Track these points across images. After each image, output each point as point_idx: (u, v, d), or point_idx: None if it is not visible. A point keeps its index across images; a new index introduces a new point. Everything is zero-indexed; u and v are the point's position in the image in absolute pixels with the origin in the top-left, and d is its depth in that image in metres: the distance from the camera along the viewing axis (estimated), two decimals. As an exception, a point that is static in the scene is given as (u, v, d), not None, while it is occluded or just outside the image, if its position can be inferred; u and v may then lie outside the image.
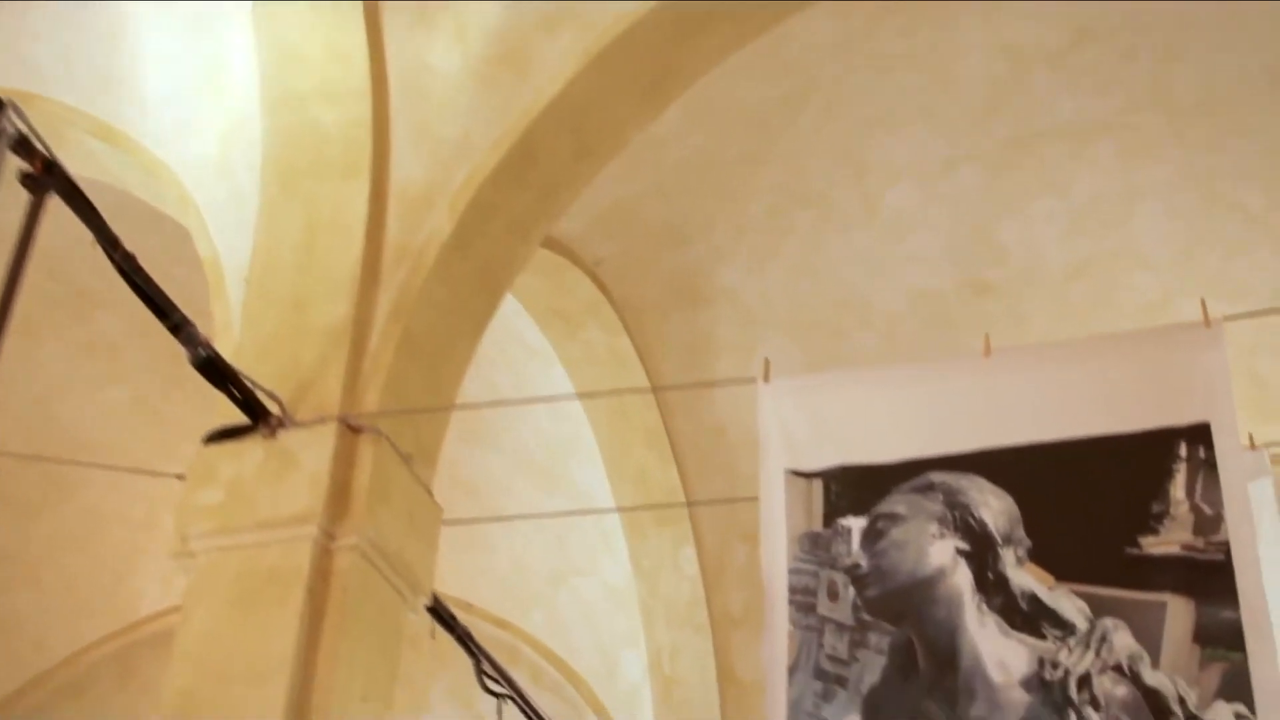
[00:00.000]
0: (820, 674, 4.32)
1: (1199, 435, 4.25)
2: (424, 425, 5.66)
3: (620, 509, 8.79)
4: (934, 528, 4.32)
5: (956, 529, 4.30)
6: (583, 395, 8.28)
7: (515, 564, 10.16)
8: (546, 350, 8.81)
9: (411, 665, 10.42)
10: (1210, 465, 4.21)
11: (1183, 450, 4.26)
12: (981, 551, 4.26)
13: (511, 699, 7.03)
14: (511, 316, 8.67)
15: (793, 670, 4.37)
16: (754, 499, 5.02)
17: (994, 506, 4.32)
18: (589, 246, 8.10)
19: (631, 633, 9.67)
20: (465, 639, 6.57)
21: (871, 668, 4.27)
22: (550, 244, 7.78)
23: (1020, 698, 4.05)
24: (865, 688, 4.26)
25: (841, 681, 4.29)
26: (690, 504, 8.72)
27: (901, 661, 4.26)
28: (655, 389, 8.26)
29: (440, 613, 6.11)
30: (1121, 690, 3.98)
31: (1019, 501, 4.31)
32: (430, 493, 5.64)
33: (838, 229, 8.35)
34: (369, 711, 5.13)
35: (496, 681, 6.96)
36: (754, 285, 8.62)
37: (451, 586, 9.58)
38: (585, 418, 9.17)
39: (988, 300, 8.50)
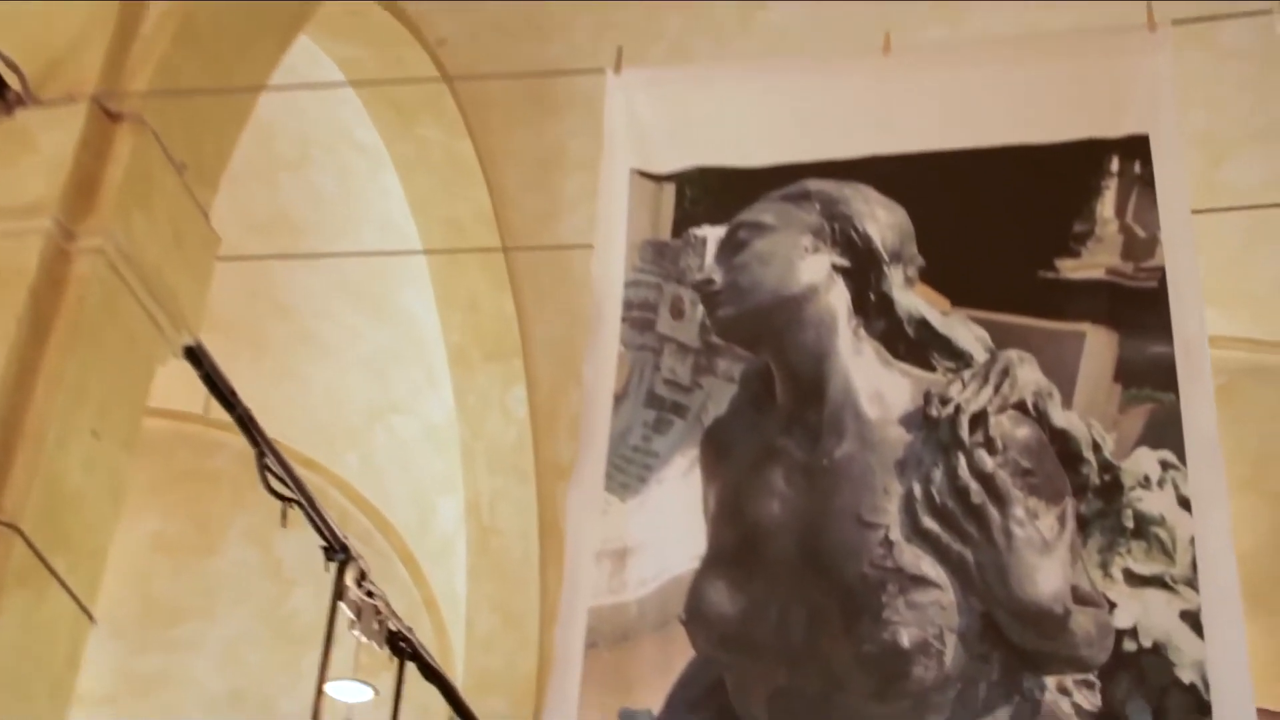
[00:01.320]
0: (654, 401, 3.41)
1: (1135, 149, 3.41)
2: (205, 137, 4.61)
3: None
4: (807, 240, 3.41)
5: (835, 243, 3.39)
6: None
7: (329, 398, 9.09)
8: (377, 149, 7.76)
9: (209, 503, 9.40)
10: (1146, 183, 3.37)
11: (1114, 165, 3.41)
12: (864, 268, 3.37)
13: (299, 504, 6.00)
14: (340, 108, 7.62)
15: (620, 398, 3.44)
16: (585, 247, 4.15)
17: (882, 219, 3.43)
18: (432, 21, 7.04)
19: (450, 478, 8.70)
20: (245, 421, 5.54)
21: (718, 396, 3.36)
22: (388, 6, 6.74)
23: (898, 435, 3.17)
24: (708, 419, 3.36)
25: (679, 410, 3.38)
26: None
27: (755, 391, 3.36)
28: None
29: (210, 373, 5.07)
30: (1023, 431, 3.12)
31: (913, 216, 3.42)
32: (206, 217, 4.60)
33: (710, 41, 7.40)
34: (101, 452, 4.09)
35: (284, 483, 5.93)
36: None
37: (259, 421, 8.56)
38: (418, 236, 8.14)
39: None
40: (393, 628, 6.99)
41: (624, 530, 3.29)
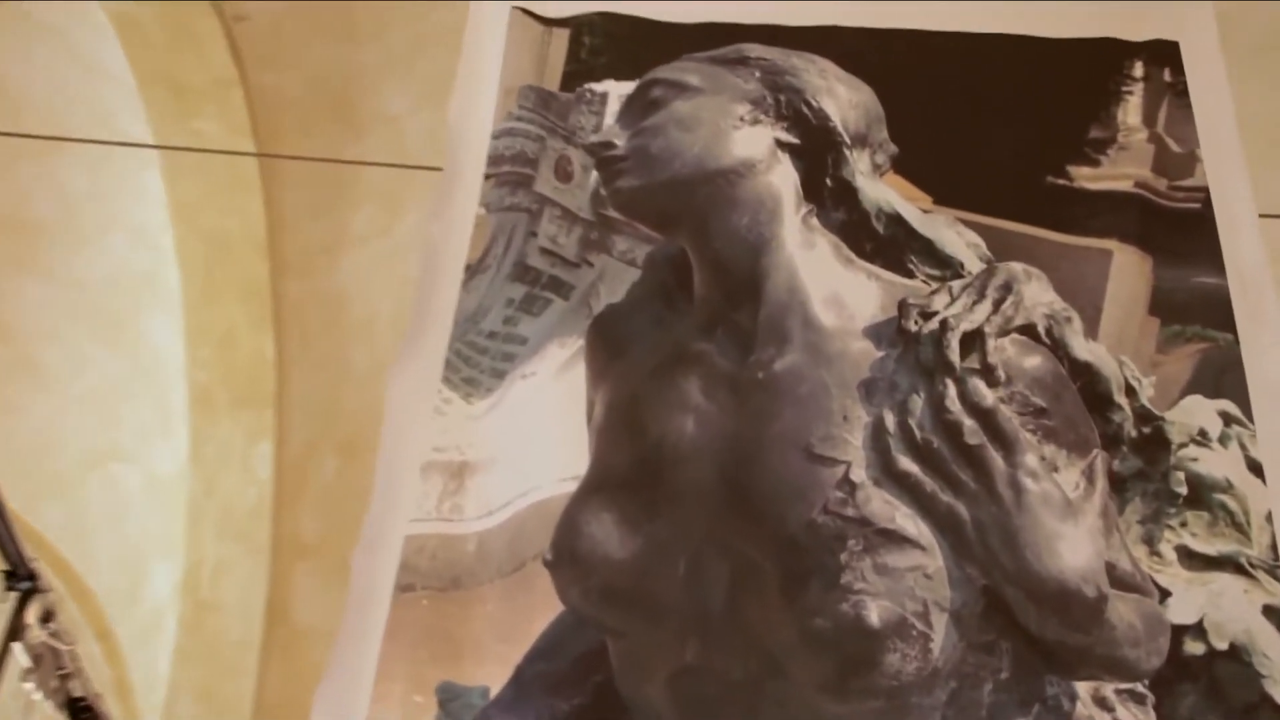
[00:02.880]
0: (524, 274, 2.39)
1: (1162, 55, 2.63)
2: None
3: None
4: (743, 109, 2.44)
5: (780, 116, 2.43)
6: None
7: (42, 436, 7.62)
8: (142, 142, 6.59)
9: None
10: (1179, 93, 2.58)
11: (1138, 70, 2.62)
12: (818, 148, 2.41)
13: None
14: (107, 88, 6.47)
15: (474, 269, 2.41)
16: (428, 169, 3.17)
17: (843, 97, 2.48)
18: (234, -11, 6.00)
19: (169, 541, 7.34)
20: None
21: (612, 280, 2.37)
22: (183, -47, 5.70)
23: (862, 349, 2.19)
24: (598, 303, 2.36)
25: (560, 288, 2.37)
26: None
27: (664, 280, 2.37)
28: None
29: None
30: (1034, 361, 2.18)
31: (883, 98, 2.53)
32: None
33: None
34: None
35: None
36: (423, 123, 6.63)
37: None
38: (174, 252, 6.94)
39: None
40: (77, 692, 5.59)
41: (467, 438, 2.24)
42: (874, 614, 1.95)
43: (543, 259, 2.39)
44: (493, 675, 2.01)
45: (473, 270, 2.41)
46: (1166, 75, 2.60)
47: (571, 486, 2.11)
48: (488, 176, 2.51)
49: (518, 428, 2.25)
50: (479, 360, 2.31)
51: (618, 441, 2.19)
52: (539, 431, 2.23)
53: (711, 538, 2.08)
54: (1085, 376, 2.22)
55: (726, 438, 2.16)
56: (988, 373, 2.16)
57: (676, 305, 2.37)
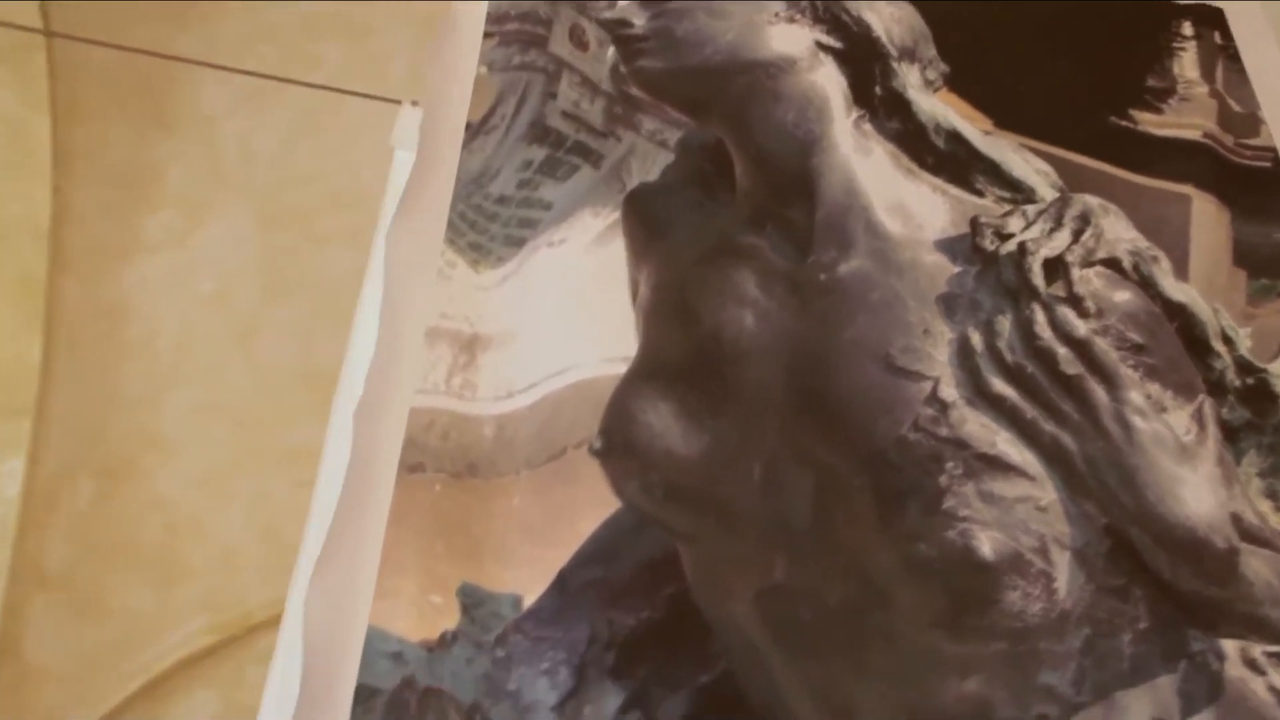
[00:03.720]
0: (543, 135, 1.95)
1: (1210, 19, 2.43)
2: None
3: None
4: (776, 7, 2.12)
5: (819, 19, 2.11)
6: None
7: None
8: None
9: None
10: (1231, 55, 2.38)
11: (1187, 29, 2.40)
12: (863, 57, 2.09)
13: None
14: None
15: (476, 129, 1.97)
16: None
17: (885, 12, 2.18)
18: (55, -58, 5.38)
19: (-111, 562, 6.39)
20: None
21: (643, 159, 1.97)
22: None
23: (936, 263, 1.85)
24: (631, 179, 1.96)
25: (587, 154, 1.94)
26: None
27: (700, 168, 2.00)
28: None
29: None
30: (1124, 296, 1.88)
31: (928, 20, 2.24)
32: None
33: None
34: None
35: None
36: (240, 129, 6.06)
37: None
38: (-59, 237, 6.12)
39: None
40: None
41: (475, 309, 1.78)
42: (985, 545, 1.59)
43: (565, 122, 1.98)
44: (522, 581, 1.54)
45: (474, 130, 1.97)
46: (1217, 38, 2.40)
47: (618, 368, 1.68)
48: (489, 35, 2.09)
49: (544, 300, 1.82)
50: (487, 226, 1.87)
51: (669, 327, 1.78)
52: (573, 305, 1.81)
53: (788, 444, 1.69)
54: (1180, 318, 1.92)
55: (792, 339, 1.78)
56: (1076, 303, 1.84)
57: (716, 195, 1.99)
